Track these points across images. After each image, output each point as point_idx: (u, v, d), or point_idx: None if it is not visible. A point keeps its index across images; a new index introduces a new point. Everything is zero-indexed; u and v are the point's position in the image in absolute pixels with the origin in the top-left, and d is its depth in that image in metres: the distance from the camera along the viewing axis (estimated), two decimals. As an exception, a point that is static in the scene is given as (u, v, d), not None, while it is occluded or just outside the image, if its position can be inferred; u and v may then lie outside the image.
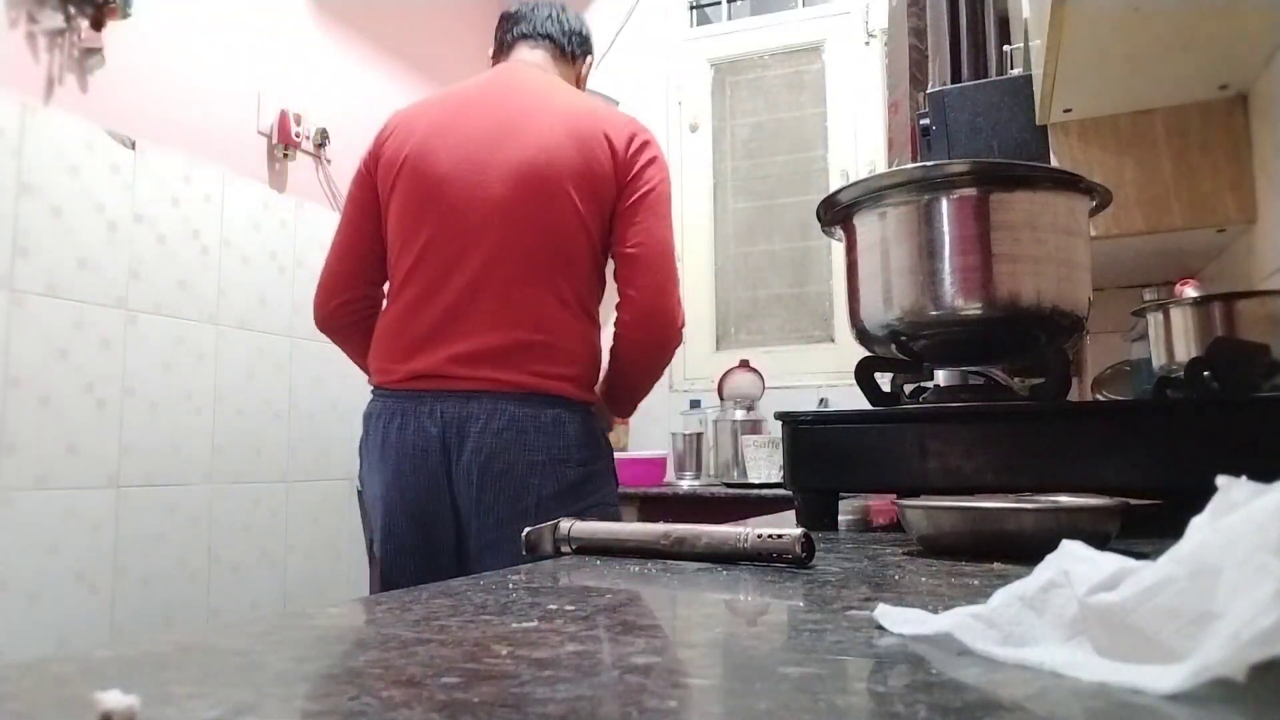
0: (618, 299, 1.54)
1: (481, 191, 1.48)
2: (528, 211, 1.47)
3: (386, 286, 1.61)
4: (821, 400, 2.89)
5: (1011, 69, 1.74)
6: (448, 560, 1.50)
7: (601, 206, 1.51)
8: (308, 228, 2.50)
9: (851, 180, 1.17)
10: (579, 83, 1.74)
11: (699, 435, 2.82)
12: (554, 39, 1.67)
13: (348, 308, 1.62)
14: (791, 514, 1.00)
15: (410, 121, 1.58)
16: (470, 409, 1.44)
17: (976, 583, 0.52)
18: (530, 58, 1.66)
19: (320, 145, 2.57)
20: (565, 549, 0.69)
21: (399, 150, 1.55)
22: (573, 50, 1.70)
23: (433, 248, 1.50)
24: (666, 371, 1.70)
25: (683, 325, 1.57)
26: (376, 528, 1.55)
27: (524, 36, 1.67)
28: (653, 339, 1.53)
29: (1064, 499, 0.69)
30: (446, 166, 1.51)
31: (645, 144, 1.56)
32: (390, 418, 1.49)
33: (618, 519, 1.50)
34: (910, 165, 1.41)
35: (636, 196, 1.52)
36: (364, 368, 1.63)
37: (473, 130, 1.53)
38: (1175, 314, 1.13)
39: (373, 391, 1.56)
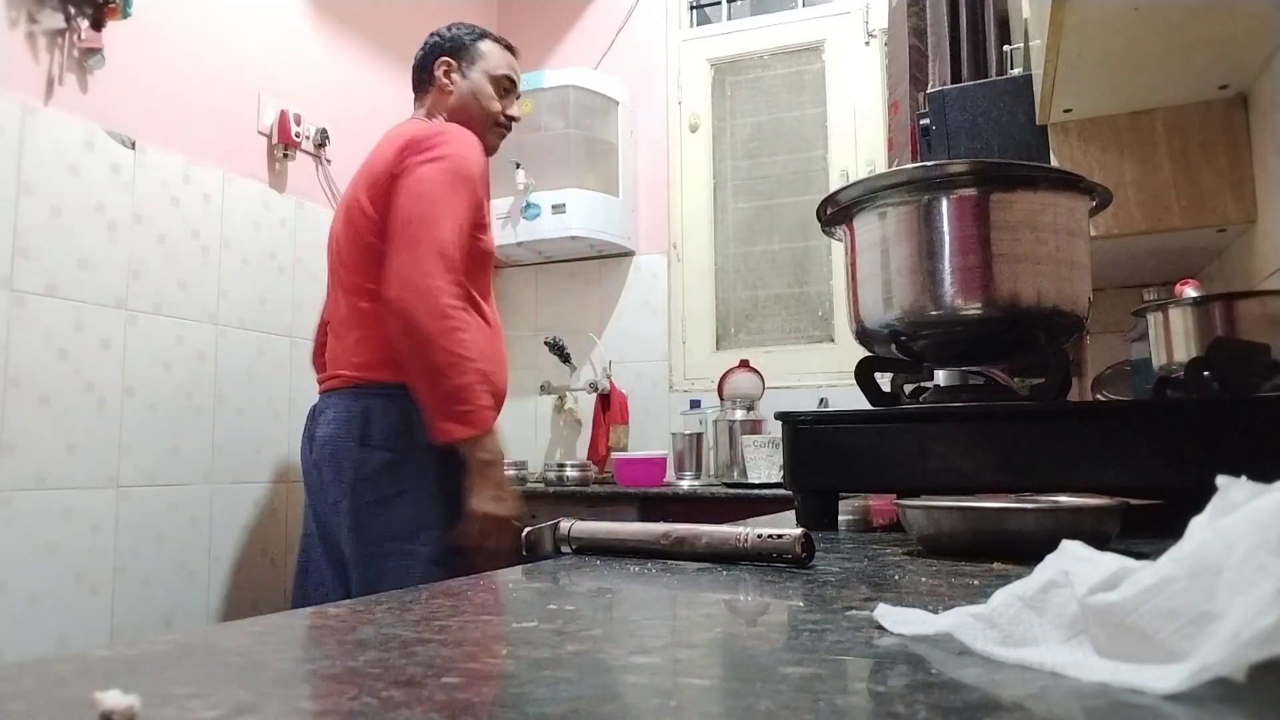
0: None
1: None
2: (340, 239, 1.83)
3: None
4: (821, 400, 2.89)
5: (1011, 69, 1.74)
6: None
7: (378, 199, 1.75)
8: (308, 228, 2.50)
9: (851, 180, 1.17)
10: (440, 101, 1.94)
11: (699, 435, 2.82)
12: (413, 87, 1.98)
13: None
14: (791, 514, 1.00)
15: None
16: (322, 403, 1.80)
17: (976, 583, 0.52)
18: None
19: (320, 145, 2.56)
20: (565, 549, 0.69)
21: None
22: (419, 83, 1.97)
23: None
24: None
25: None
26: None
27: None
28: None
29: (1064, 499, 0.69)
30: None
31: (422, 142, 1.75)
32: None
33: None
34: (910, 165, 1.41)
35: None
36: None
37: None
38: (1175, 314, 1.13)
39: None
